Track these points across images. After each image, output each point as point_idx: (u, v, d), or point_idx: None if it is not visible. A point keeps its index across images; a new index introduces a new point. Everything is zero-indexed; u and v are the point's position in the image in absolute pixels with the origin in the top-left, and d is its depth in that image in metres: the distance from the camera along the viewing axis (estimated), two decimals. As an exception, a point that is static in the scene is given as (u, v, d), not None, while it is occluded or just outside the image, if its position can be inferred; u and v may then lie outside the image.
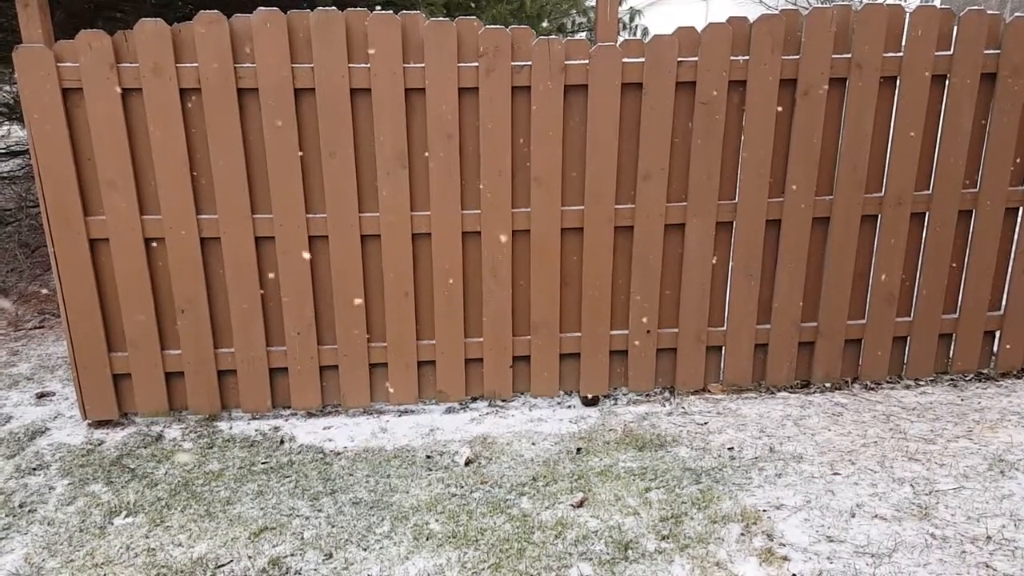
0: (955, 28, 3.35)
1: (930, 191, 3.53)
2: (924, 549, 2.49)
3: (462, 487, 2.92)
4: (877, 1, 3.30)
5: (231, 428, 3.42)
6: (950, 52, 3.37)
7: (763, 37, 3.27)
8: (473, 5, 6.81)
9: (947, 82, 3.41)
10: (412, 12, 3.20)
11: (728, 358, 3.66)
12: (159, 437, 3.34)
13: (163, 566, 2.50)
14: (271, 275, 3.38)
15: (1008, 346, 3.75)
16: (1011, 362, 3.78)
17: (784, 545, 2.53)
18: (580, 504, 2.79)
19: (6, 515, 2.81)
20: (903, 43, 3.35)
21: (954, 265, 3.65)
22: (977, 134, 3.50)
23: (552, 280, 3.46)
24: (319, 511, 2.79)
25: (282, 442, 3.30)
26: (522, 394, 3.66)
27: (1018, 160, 3.53)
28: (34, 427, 3.45)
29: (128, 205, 3.22)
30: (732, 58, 3.29)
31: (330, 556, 2.54)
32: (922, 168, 3.51)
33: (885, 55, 3.34)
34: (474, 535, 2.63)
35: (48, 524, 2.75)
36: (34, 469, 3.12)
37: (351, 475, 3.03)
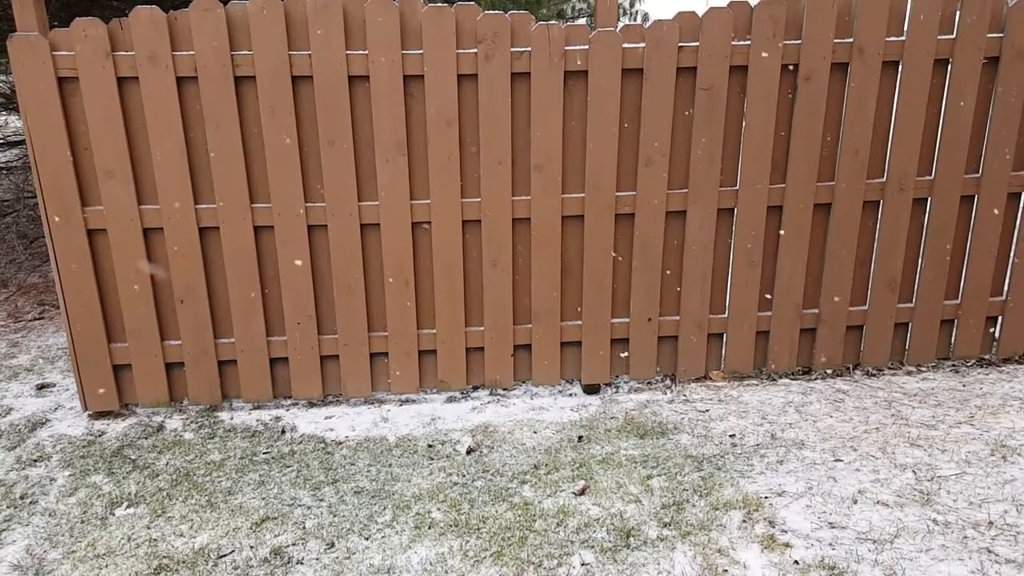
0: (958, 11, 3.32)
1: (932, 176, 3.51)
2: (926, 535, 2.49)
3: (464, 476, 2.92)
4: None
5: (232, 418, 3.42)
6: (953, 36, 3.34)
7: (765, 22, 3.24)
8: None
9: (950, 66, 3.39)
10: (410, -2, 3.17)
11: (729, 345, 3.65)
12: (160, 428, 3.34)
13: (165, 556, 2.50)
14: (271, 264, 3.37)
15: (1009, 331, 3.74)
16: (1013, 347, 3.77)
17: (786, 532, 2.53)
18: (582, 492, 2.79)
19: (8, 506, 2.81)
20: (905, 27, 3.32)
21: (956, 251, 3.63)
22: (980, 119, 3.48)
23: (553, 268, 3.45)
24: (321, 501, 2.79)
25: (283, 432, 3.29)
26: (523, 383, 3.66)
27: (1021, 144, 3.51)
28: (35, 418, 3.44)
29: (126, 195, 3.20)
30: (733, 43, 3.26)
31: (332, 545, 2.54)
32: (924, 153, 3.49)
33: (887, 39, 3.31)
34: (476, 524, 2.62)
35: (49, 515, 2.75)
36: (35, 460, 3.12)
37: (352, 464, 3.02)
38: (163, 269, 3.32)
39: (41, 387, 3.79)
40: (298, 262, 3.34)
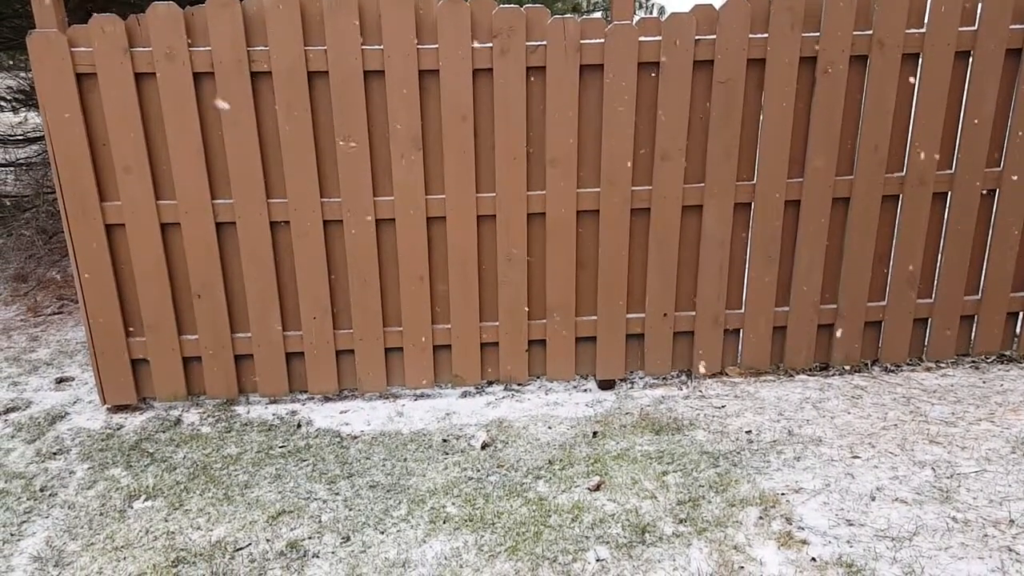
0: (979, 3, 3.28)
1: (953, 170, 3.47)
2: (945, 533, 2.46)
3: (478, 471, 2.92)
4: (899, -24, 3.23)
5: (249, 412, 3.44)
6: (974, 27, 3.30)
7: (782, 14, 3.21)
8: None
9: (971, 58, 3.34)
10: (425, -8, 3.16)
11: (746, 341, 3.63)
12: (177, 421, 3.36)
13: (182, 549, 2.52)
14: (287, 259, 3.38)
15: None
16: (1034, 344, 3.72)
17: (803, 529, 2.51)
18: (597, 488, 2.78)
19: (28, 499, 2.84)
20: (926, 19, 3.28)
21: (976, 246, 3.59)
22: (1002, 111, 3.43)
23: (568, 263, 3.44)
24: (336, 494, 2.80)
25: (299, 426, 3.31)
26: (538, 378, 3.65)
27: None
28: (54, 412, 3.48)
29: (144, 190, 3.23)
30: (751, 36, 3.23)
31: (348, 539, 2.55)
32: (944, 147, 3.45)
33: (907, 31, 3.27)
34: (491, 518, 2.62)
35: (69, 508, 2.78)
36: (54, 454, 3.15)
37: (368, 459, 3.03)
38: (181, 264, 3.35)
39: (60, 381, 3.83)
40: (314, 257, 3.34)
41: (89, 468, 3.03)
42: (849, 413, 3.25)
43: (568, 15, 3.23)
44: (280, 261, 3.39)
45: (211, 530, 2.62)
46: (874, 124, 3.36)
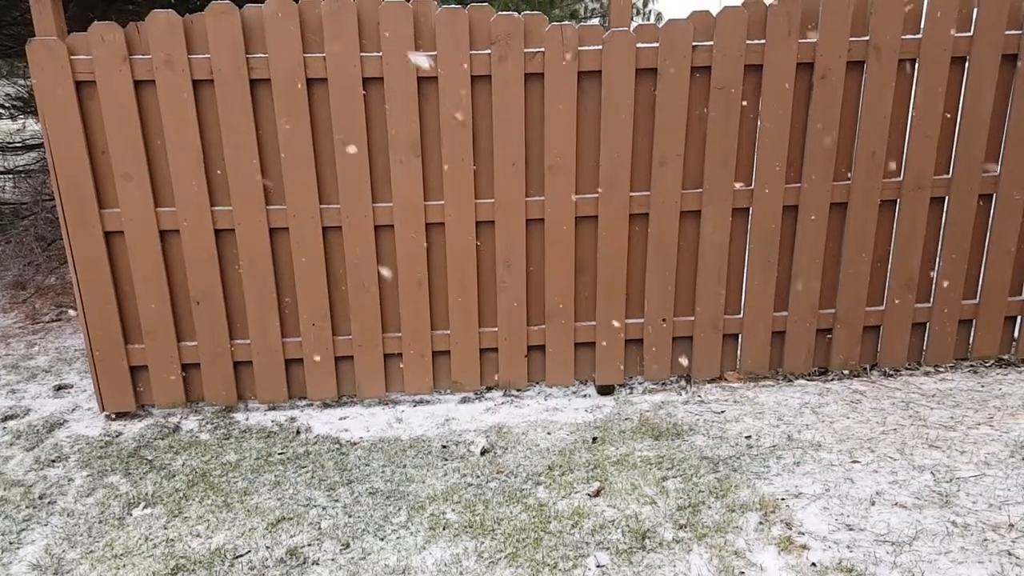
0: (975, 9, 3.29)
1: (950, 175, 3.48)
2: (945, 537, 2.46)
3: (478, 477, 2.92)
4: (896, -18, 3.25)
5: (248, 419, 3.43)
6: (970, 33, 3.31)
7: (779, 20, 3.22)
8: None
9: (967, 64, 3.36)
10: None
11: (745, 346, 3.63)
12: (176, 428, 3.36)
13: (181, 556, 2.52)
14: (286, 266, 3.38)
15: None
16: (1033, 348, 3.73)
17: (803, 534, 2.51)
18: (596, 493, 2.78)
19: (27, 507, 2.84)
20: (922, 25, 3.29)
21: (974, 250, 3.59)
22: (998, 116, 3.44)
23: (567, 269, 3.44)
24: (336, 501, 2.80)
25: (298, 433, 3.30)
26: (537, 383, 3.65)
27: (1040, 142, 3.47)
28: (52, 419, 3.47)
29: (143, 197, 3.23)
30: (748, 42, 3.24)
31: (347, 546, 2.55)
32: (941, 152, 3.46)
33: (904, 37, 3.28)
34: (491, 525, 2.62)
35: (68, 515, 2.77)
36: (53, 461, 3.14)
37: (367, 465, 3.03)
38: (180, 271, 3.35)
39: (59, 388, 3.82)
40: (313, 263, 3.35)
41: (88, 475, 3.02)
42: (848, 418, 3.26)
43: (566, 22, 3.24)
44: (279, 267, 3.39)
45: (210, 537, 2.62)
46: (871, 129, 3.37)
